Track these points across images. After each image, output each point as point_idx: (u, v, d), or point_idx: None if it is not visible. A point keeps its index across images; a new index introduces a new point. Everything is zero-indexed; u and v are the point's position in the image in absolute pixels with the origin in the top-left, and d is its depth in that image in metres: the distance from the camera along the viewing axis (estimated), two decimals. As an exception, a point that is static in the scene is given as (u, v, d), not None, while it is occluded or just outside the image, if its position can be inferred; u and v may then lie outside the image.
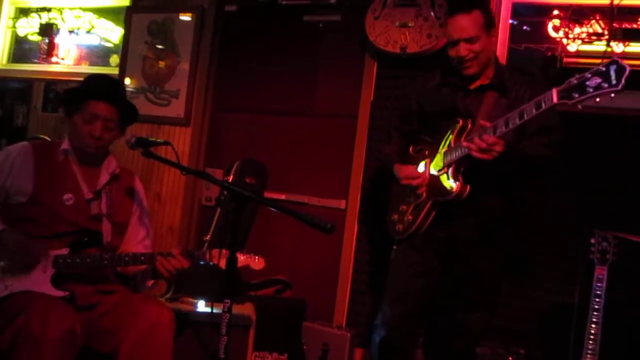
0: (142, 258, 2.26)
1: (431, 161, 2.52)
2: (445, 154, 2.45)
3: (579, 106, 2.01)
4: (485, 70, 2.49)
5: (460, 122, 2.43)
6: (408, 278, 2.58)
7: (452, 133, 2.45)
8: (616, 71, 1.91)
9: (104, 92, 2.37)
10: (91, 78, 2.49)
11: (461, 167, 2.41)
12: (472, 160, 2.34)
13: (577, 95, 1.99)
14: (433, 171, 2.49)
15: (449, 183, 2.41)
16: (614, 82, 1.92)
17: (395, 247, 2.68)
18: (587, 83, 1.97)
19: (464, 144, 2.32)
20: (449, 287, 2.57)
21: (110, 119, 2.35)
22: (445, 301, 2.60)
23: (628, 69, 1.91)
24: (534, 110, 2.12)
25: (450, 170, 2.41)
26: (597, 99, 1.96)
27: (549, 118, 2.35)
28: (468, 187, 2.39)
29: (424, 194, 2.51)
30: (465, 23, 2.38)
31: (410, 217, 2.54)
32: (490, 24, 2.44)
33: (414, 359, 2.68)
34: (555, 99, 2.05)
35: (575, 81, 2.01)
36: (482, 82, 2.49)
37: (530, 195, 2.75)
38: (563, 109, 2.17)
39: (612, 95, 1.93)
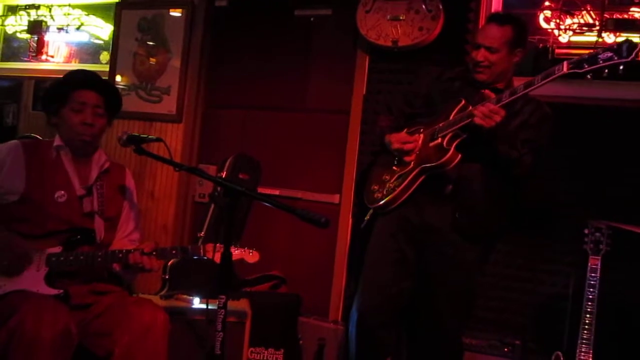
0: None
1: (426, 135, 2.53)
2: (441, 126, 2.47)
3: (589, 76, 2.12)
4: (497, 83, 2.53)
5: (463, 101, 2.46)
6: (383, 266, 2.57)
7: (452, 110, 2.47)
8: (628, 47, 2.05)
9: (87, 81, 2.41)
10: (69, 73, 2.49)
11: (457, 138, 2.43)
12: (468, 132, 2.38)
13: (586, 66, 2.11)
14: (426, 143, 2.50)
15: (441, 149, 2.43)
16: (624, 54, 2.05)
17: (366, 218, 2.67)
18: (599, 56, 2.10)
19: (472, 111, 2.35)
20: (424, 282, 2.55)
21: (98, 105, 2.37)
22: (422, 297, 2.59)
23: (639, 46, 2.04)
24: (541, 80, 2.21)
25: (445, 140, 2.43)
26: (606, 70, 2.09)
27: (539, 136, 2.45)
28: (459, 156, 2.41)
29: (412, 163, 2.51)
30: (493, 33, 2.47)
31: (391, 185, 2.55)
32: (517, 43, 2.49)
33: (391, 350, 2.65)
34: (565, 69, 2.15)
35: (587, 55, 2.13)
36: (494, 87, 2.53)
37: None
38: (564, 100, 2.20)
39: (621, 67, 2.05)
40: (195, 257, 2.28)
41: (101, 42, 4.49)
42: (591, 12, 3.10)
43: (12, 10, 4.68)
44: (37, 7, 4.43)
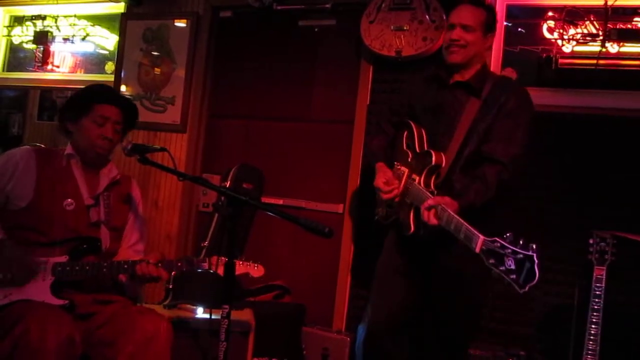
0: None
1: (408, 174, 2.49)
2: (412, 191, 2.41)
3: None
4: (468, 68, 2.48)
5: (434, 161, 2.37)
6: (392, 278, 2.57)
7: (424, 168, 2.39)
8: (527, 273, 1.81)
9: (112, 97, 2.47)
10: (92, 86, 2.55)
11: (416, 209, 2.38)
12: None
13: (492, 261, 1.90)
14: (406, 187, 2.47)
15: (409, 221, 2.40)
16: (521, 282, 1.82)
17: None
18: (506, 259, 1.86)
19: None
20: (429, 294, 2.53)
21: (118, 122, 2.42)
22: (427, 309, 2.57)
23: (537, 279, 1.79)
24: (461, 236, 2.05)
25: (412, 211, 2.38)
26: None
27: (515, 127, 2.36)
28: (412, 229, 2.38)
29: (397, 200, 2.50)
30: (468, 12, 2.45)
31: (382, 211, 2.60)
32: (489, 27, 2.48)
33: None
34: (477, 249, 1.96)
35: (499, 248, 1.89)
36: (459, 78, 2.49)
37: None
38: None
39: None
40: (200, 270, 2.29)
41: (106, 52, 4.51)
42: (594, 22, 3.10)
43: (19, 20, 4.71)
44: (43, 18, 4.46)
